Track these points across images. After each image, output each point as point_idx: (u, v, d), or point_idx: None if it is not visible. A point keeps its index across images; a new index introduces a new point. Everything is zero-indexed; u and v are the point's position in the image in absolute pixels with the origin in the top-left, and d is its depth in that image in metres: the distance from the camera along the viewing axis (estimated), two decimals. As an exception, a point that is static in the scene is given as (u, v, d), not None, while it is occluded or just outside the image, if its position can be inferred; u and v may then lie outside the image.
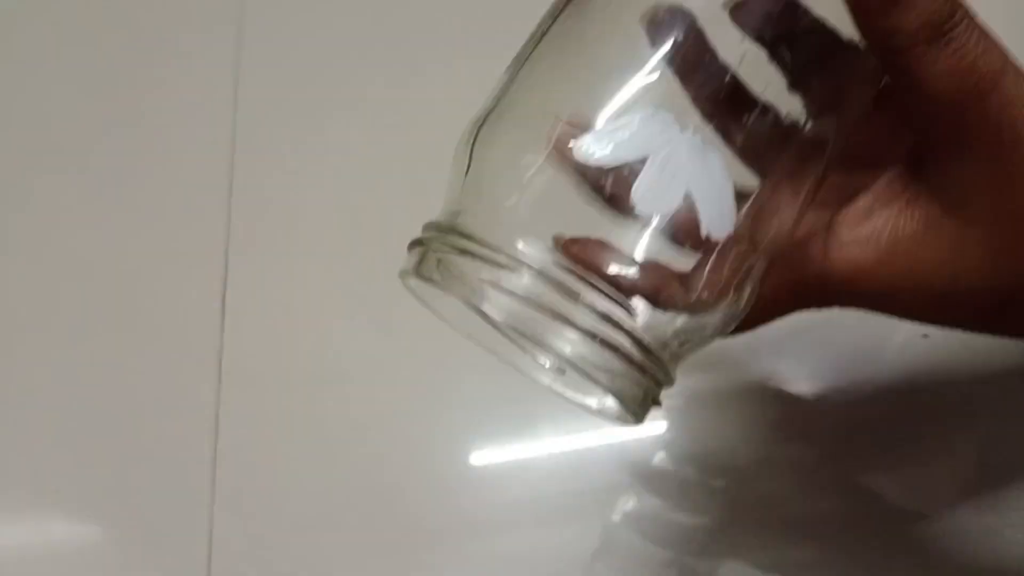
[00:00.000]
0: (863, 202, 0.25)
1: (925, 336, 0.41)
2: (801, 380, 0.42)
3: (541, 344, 0.23)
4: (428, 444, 0.43)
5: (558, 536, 0.40)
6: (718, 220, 0.22)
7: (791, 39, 0.23)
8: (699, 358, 0.43)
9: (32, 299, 0.49)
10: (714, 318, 0.25)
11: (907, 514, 0.39)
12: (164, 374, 0.46)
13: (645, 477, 0.41)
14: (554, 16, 0.25)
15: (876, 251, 0.24)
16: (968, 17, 0.22)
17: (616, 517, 0.41)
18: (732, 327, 0.26)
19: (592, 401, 0.28)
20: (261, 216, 0.50)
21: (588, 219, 0.23)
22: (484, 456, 0.43)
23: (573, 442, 0.42)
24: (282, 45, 0.54)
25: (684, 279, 0.24)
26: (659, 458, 0.42)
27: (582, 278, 0.22)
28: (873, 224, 0.24)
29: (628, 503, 0.41)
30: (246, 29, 0.55)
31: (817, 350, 0.42)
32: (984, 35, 0.22)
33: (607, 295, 0.22)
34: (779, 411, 0.42)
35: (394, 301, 0.49)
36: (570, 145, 0.22)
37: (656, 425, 0.42)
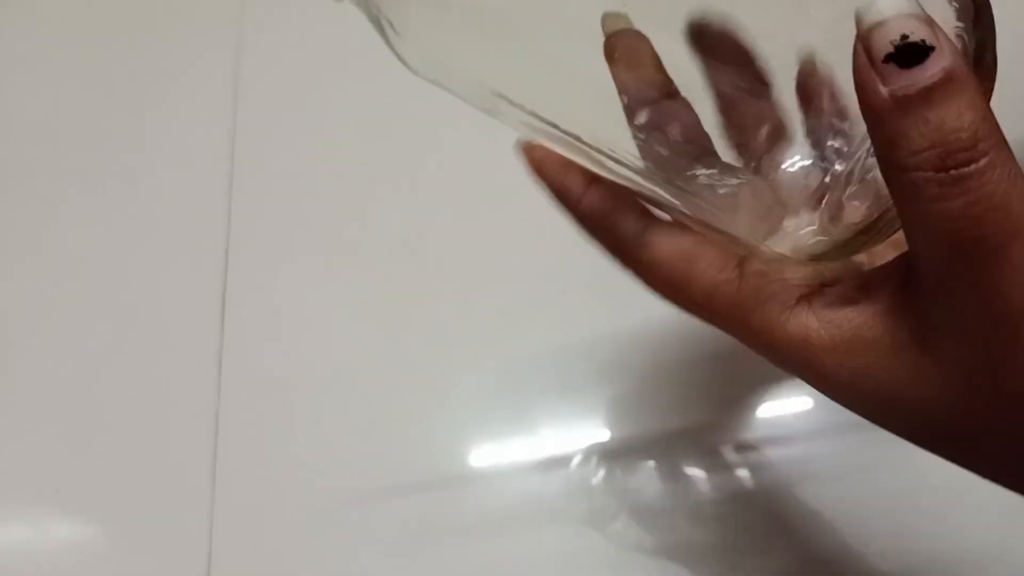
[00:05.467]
0: (843, 288, 0.22)
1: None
2: (801, 384, 0.42)
3: None
4: (427, 444, 0.43)
5: (557, 536, 0.40)
6: None
7: None
8: (700, 358, 0.43)
9: (32, 299, 0.49)
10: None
11: (906, 514, 0.39)
12: (164, 374, 0.46)
13: (645, 477, 0.41)
14: None
15: (831, 336, 0.22)
16: (996, 151, 0.17)
17: (616, 517, 0.41)
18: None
19: None
20: (261, 216, 0.50)
21: None
22: (483, 456, 0.43)
23: (573, 442, 0.42)
24: (282, 46, 0.54)
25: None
26: (659, 458, 0.42)
27: None
28: (845, 313, 0.21)
29: (628, 503, 0.41)
30: (246, 30, 0.55)
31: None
32: (1012, 180, 0.17)
33: None
34: (779, 411, 0.42)
35: (394, 301, 0.50)
36: None
37: (659, 425, 0.42)
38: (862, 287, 0.22)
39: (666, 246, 0.24)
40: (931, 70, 0.17)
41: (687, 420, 0.42)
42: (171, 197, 0.51)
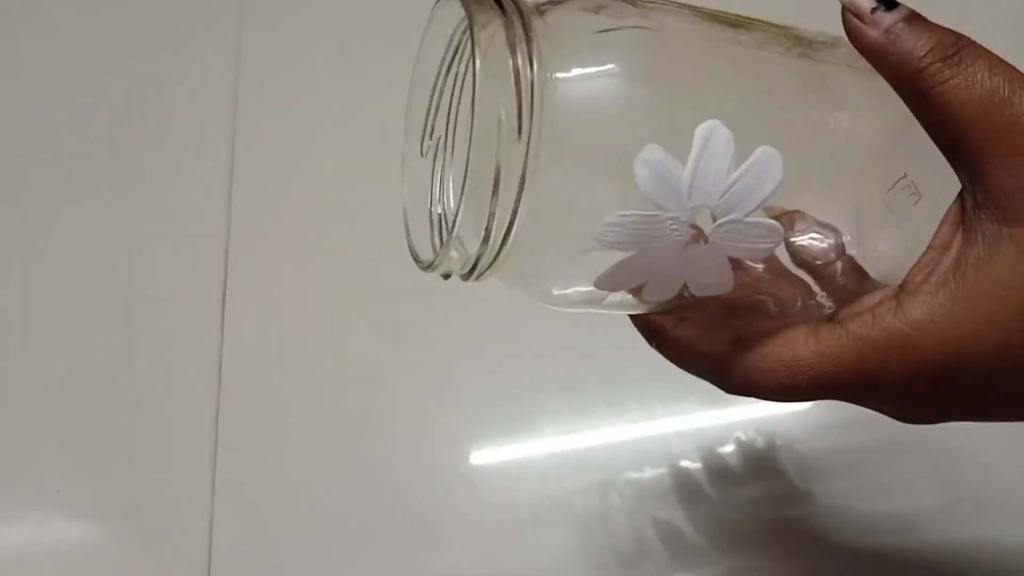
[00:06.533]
0: (925, 258, 0.23)
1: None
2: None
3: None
4: (428, 444, 0.43)
5: (557, 536, 0.40)
6: None
7: None
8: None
9: (32, 299, 0.49)
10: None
11: (907, 514, 0.39)
12: (164, 374, 0.46)
13: (645, 477, 0.41)
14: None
15: (948, 292, 0.22)
16: (973, 42, 0.22)
17: (616, 516, 0.41)
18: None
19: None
20: (261, 216, 0.50)
21: None
22: (484, 456, 0.43)
23: (572, 442, 0.42)
24: (282, 46, 0.54)
25: None
26: (659, 458, 0.42)
27: None
28: (937, 275, 0.23)
29: (628, 502, 0.41)
30: (246, 31, 0.55)
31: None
32: (992, 54, 0.22)
33: None
34: (777, 412, 0.42)
35: (394, 302, 0.50)
36: None
37: (657, 425, 0.42)
38: (937, 247, 0.23)
39: (763, 343, 0.24)
40: (904, 6, 0.22)
41: (688, 420, 0.42)
42: (171, 197, 0.51)
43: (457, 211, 0.21)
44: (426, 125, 0.27)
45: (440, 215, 0.26)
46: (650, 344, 0.27)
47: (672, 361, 0.27)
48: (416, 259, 0.25)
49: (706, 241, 0.22)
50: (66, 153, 0.53)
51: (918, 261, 0.24)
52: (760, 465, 0.41)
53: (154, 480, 0.43)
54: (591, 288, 0.24)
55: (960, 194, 0.23)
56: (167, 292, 0.48)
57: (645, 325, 0.27)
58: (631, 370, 0.43)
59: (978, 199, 0.22)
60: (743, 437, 0.42)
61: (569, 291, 0.25)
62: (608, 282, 0.23)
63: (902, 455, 0.41)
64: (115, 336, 0.47)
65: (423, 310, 0.46)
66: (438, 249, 0.25)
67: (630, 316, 0.27)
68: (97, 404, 0.45)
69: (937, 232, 0.24)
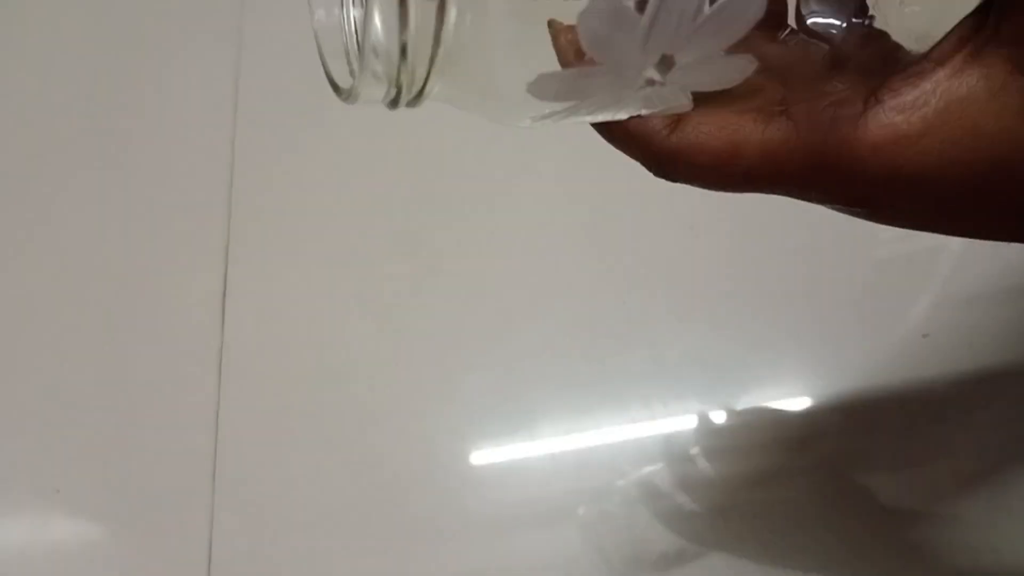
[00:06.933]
0: (915, 67, 0.20)
1: (925, 336, 0.41)
2: (801, 381, 0.42)
3: None
4: (429, 443, 0.43)
5: (558, 533, 0.40)
6: None
7: None
8: (699, 358, 0.43)
9: (32, 298, 0.49)
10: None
11: (907, 514, 0.39)
12: (165, 372, 0.46)
13: (645, 475, 0.41)
14: None
15: (922, 117, 0.20)
16: None
17: (616, 516, 0.41)
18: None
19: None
20: (261, 215, 0.50)
21: None
22: (485, 456, 0.43)
23: (573, 442, 0.42)
24: (282, 45, 0.54)
25: None
26: (659, 456, 0.42)
27: None
28: (922, 88, 0.20)
29: (629, 502, 0.41)
30: (246, 30, 0.55)
31: (817, 350, 0.42)
32: None
33: None
34: (778, 411, 0.42)
35: (395, 299, 0.50)
36: None
37: (659, 425, 0.42)
38: (927, 62, 0.20)
39: (703, 124, 0.21)
40: None
41: (688, 418, 0.42)
42: (172, 196, 0.51)
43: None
44: None
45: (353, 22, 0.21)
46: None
47: (600, 133, 0.23)
48: (335, 88, 0.20)
49: (663, 84, 0.18)
50: (66, 149, 0.53)
51: (906, 68, 0.20)
52: (761, 464, 0.41)
53: (154, 478, 0.43)
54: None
55: (979, 11, 0.20)
56: (167, 289, 0.48)
57: None
58: (631, 369, 0.43)
59: (1001, 28, 0.19)
60: (747, 438, 0.42)
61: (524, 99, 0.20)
62: (547, 92, 0.19)
63: (910, 444, 0.41)
64: (115, 334, 0.47)
65: (424, 308, 0.46)
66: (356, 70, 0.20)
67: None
68: (97, 402, 0.45)
69: (939, 43, 0.20)
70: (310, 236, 0.49)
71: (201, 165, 0.51)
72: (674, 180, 0.22)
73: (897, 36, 0.20)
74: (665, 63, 0.18)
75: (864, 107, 0.20)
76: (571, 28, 0.19)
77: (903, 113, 0.20)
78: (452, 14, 0.17)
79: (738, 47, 0.18)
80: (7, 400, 0.46)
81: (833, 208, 0.22)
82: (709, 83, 0.19)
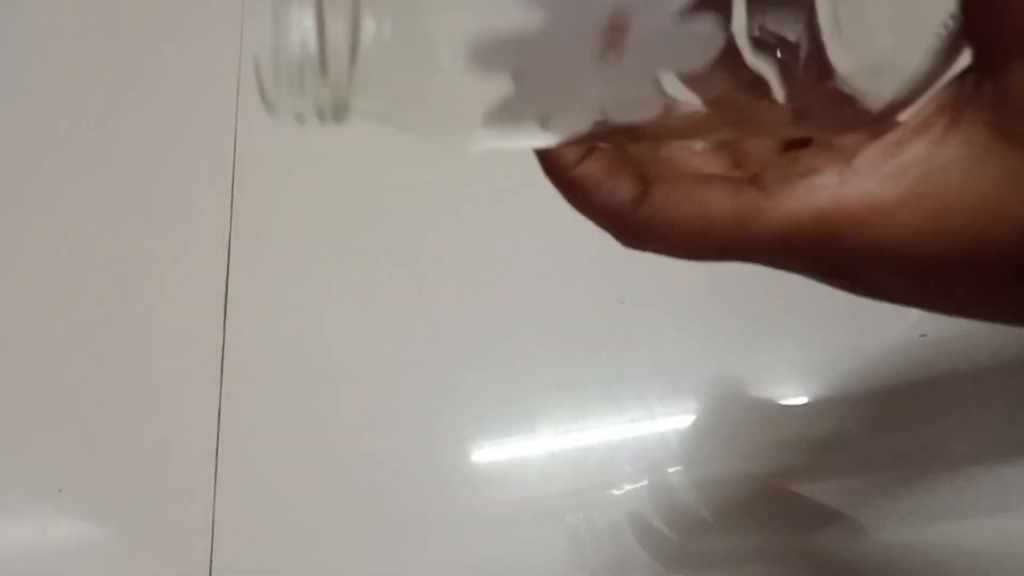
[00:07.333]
0: (892, 136, 0.19)
1: (923, 335, 0.41)
2: (800, 381, 0.42)
3: None
4: (429, 442, 0.43)
5: (557, 532, 0.40)
6: None
7: None
8: (698, 358, 0.43)
9: (33, 297, 0.49)
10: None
11: (905, 514, 0.39)
12: (167, 373, 0.46)
13: (644, 474, 0.41)
14: None
15: (900, 187, 0.19)
16: None
17: (617, 516, 0.41)
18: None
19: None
20: (263, 215, 0.50)
21: None
22: (485, 454, 0.43)
23: (573, 440, 0.42)
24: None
25: None
26: (658, 456, 0.42)
27: None
28: (901, 158, 0.19)
29: (629, 502, 0.41)
30: (248, 24, 0.55)
31: (816, 351, 0.43)
32: None
33: None
34: (776, 411, 0.42)
35: (396, 298, 0.50)
36: None
37: (658, 424, 0.42)
38: (907, 131, 0.19)
39: (671, 196, 0.21)
40: None
41: (687, 418, 0.42)
42: (173, 196, 0.51)
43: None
44: None
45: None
46: (548, 177, 0.23)
47: (569, 202, 0.22)
48: (267, 102, 0.19)
49: (620, 54, 0.17)
50: (67, 149, 0.53)
51: (881, 135, 0.20)
52: (759, 464, 0.41)
53: (156, 478, 0.43)
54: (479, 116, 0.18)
55: (960, 76, 0.19)
56: (169, 290, 0.48)
57: (542, 155, 0.22)
58: (631, 369, 0.43)
59: (983, 90, 0.18)
60: (747, 438, 0.42)
61: (451, 117, 0.19)
62: (502, 114, 0.17)
63: (909, 443, 0.41)
64: (117, 334, 0.47)
65: (424, 307, 0.46)
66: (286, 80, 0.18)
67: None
68: (100, 403, 0.45)
69: (919, 111, 0.19)
70: (311, 236, 0.49)
71: (203, 165, 0.51)
72: (645, 251, 0.22)
73: (852, 67, 0.19)
74: (617, 34, 0.16)
75: (839, 176, 0.19)
76: None
77: (882, 184, 0.19)
78: (368, 25, 0.16)
79: (698, 77, 0.17)
80: (9, 400, 0.46)
81: (809, 278, 0.22)
82: (672, 60, 0.17)
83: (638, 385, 0.43)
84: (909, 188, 0.19)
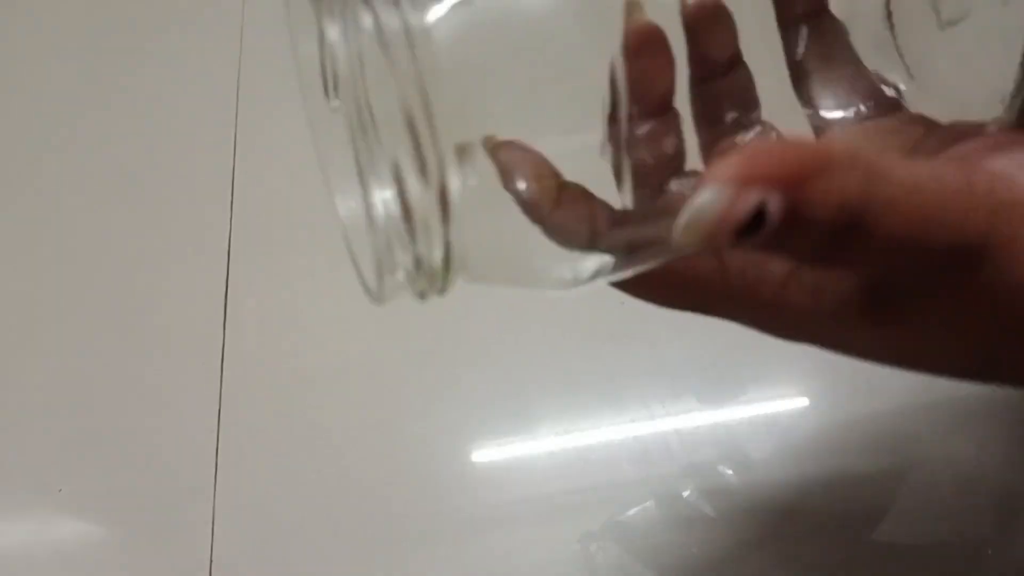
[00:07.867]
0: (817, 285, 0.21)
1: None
2: (799, 381, 0.42)
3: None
4: (429, 442, 0.43)
5: (558, 534, 0.40)
6: None
7: None
8: (698, 358, 0.43)
9: (33, 298, 0.49)
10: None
11: (905, 515, 0.39)
12: (167, 373, 0.46)
13: (645, 476, 0.41)
14: None
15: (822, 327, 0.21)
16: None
17: (616, 515, 0.41)
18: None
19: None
20: (262, 216, 0.50)
21: None
22: (485, 454, 0.43)
23: (573, 440, 0.42)
24: (283, 42, 0.54)
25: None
26: (658, 456, 0.42)
27: None
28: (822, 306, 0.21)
29: (628, 501, 0.41)
30: (247, 27, 0.55)
31: (816, 351, 0.42)
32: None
33: None
34: (776, 411, 0.42)
35: (396, 299, 0.50)
36: None
37: (658, 424, 0.42)
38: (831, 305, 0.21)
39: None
40: None
41: (688, 418, 0.42)
42: (173, 196, 0.51)
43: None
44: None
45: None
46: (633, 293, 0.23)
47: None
48: (366, 289, 0.19)
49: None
50: (67, 149, 0.53)
51: None
52: (759, 464, 0.41)
53: (156, 478, 0.43)
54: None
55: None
56: (169, 289, 0.48)
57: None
58: (631, 369, 0.43)
59: (889, 313, 0.20)
60: (747, 438, 0.42)
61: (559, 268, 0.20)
62: (606, 273, 0.18)
63: (909, 444, 0.41)
64: (117, 334, 0.47)
65: (425, 306, 0.46)
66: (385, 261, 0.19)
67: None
68: (99, 402, 0.46)
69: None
70: (312, 236, 0.49)
71: (202, 164, 0.51)
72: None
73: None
74: None
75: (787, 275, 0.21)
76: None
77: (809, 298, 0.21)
78: (456, 207, 0.16)
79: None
80: (8, 400, 0.46)
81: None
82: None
83: (638, 385, 0.43)
84: (825, 330, 0.23)
